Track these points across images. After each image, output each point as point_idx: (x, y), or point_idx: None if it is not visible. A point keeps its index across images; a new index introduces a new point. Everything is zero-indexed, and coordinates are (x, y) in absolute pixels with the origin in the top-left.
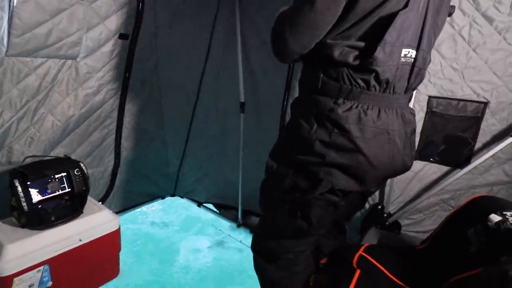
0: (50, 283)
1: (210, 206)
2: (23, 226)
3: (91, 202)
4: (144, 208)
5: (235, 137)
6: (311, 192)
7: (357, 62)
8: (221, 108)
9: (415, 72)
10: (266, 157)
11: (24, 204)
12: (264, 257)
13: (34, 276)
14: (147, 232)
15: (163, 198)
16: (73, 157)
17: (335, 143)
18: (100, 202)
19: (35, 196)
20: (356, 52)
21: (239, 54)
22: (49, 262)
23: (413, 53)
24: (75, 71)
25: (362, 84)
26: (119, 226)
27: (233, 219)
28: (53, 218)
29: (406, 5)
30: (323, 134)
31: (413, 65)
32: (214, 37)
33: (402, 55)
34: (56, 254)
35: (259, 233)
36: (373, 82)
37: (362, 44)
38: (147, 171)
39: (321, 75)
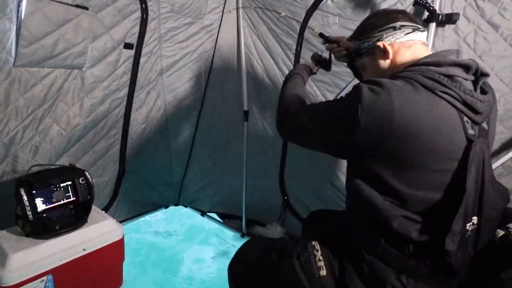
0: None
1: (214, 215)
2: (27, 235)
3: (95, 211)
4: (148, 217)
5: (239, 145)
6: None
7: (422, 239)
8: (225, 116)
9: (481, 241)
10: (269, 165)
11: (29, 213)
12: None
13: (38, 286)
14: (151, 242)
15: (166, 207)
16: (78, 166)
17: None
18: (104, 211)
19: (40, 205)
20: (417, 226)
21: (242, 61)
22: (52, 271)
23: (474, 219)
24: (81, 81)
25: (430, 264)
26: (123, 236)
27: (237, 228)
28: (57, 227)
29: (464, 173)
30: None
31: (478, 233)
32: (218, 45)
33: (466, 229)
34: (60, 263)
35: None
36: (442, 271)
37: (420, 218)
38: (151, 180)
39: (382, 240)
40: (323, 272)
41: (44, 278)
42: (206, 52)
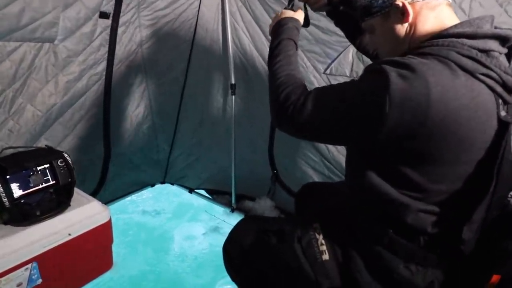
0: (40, 281)
1: (202, 192)
2: (5, 223)
3: (78, 194)
4: (134, 197)
5: (226, 120)
6: None
7: (436, 230)
8: (211, 89)
9: (489, 219)
10: (258, 139)
11: (4, 199)
12: None
13: (22, 274)
14: (139, 221)
15: (153, 185)
16: (58, 149)
17: None
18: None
19: (17, 190)
20: (434, 218)
21: (228, 31)
22: (37, 259)
23: None
24: (54, 56)
25: (440, 252)
26: (110, 217)
27: (226, 204)
28: (38, 213)
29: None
30: None
31: (487, 211)
32: (201, 12)
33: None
34: (44, 250)
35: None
36: (452, 257)
37: (437, 209)
38: (136, 159)
39: (390, 231)
40: (326, 257)
41: (28, 266)
42: (188, 20)
